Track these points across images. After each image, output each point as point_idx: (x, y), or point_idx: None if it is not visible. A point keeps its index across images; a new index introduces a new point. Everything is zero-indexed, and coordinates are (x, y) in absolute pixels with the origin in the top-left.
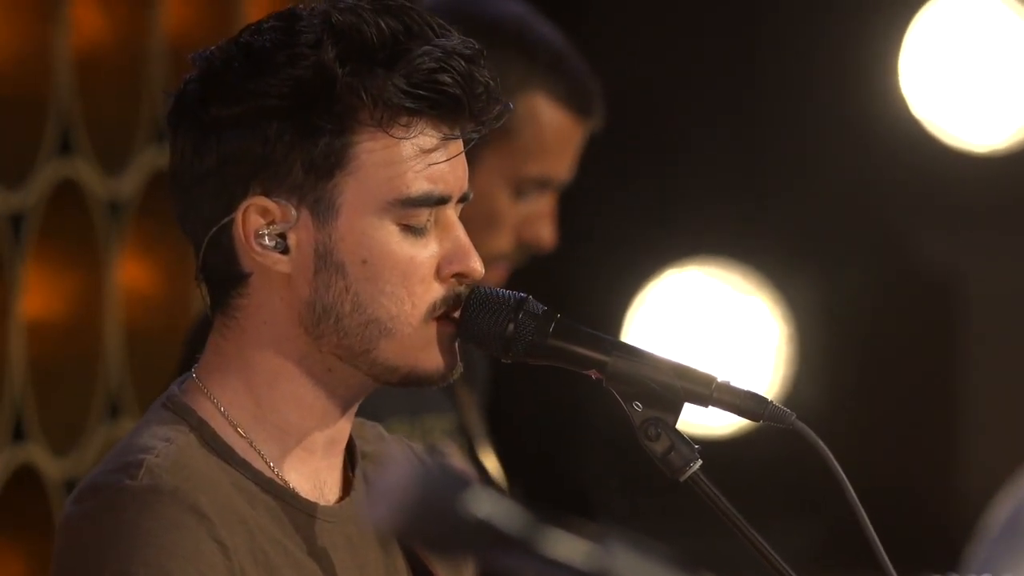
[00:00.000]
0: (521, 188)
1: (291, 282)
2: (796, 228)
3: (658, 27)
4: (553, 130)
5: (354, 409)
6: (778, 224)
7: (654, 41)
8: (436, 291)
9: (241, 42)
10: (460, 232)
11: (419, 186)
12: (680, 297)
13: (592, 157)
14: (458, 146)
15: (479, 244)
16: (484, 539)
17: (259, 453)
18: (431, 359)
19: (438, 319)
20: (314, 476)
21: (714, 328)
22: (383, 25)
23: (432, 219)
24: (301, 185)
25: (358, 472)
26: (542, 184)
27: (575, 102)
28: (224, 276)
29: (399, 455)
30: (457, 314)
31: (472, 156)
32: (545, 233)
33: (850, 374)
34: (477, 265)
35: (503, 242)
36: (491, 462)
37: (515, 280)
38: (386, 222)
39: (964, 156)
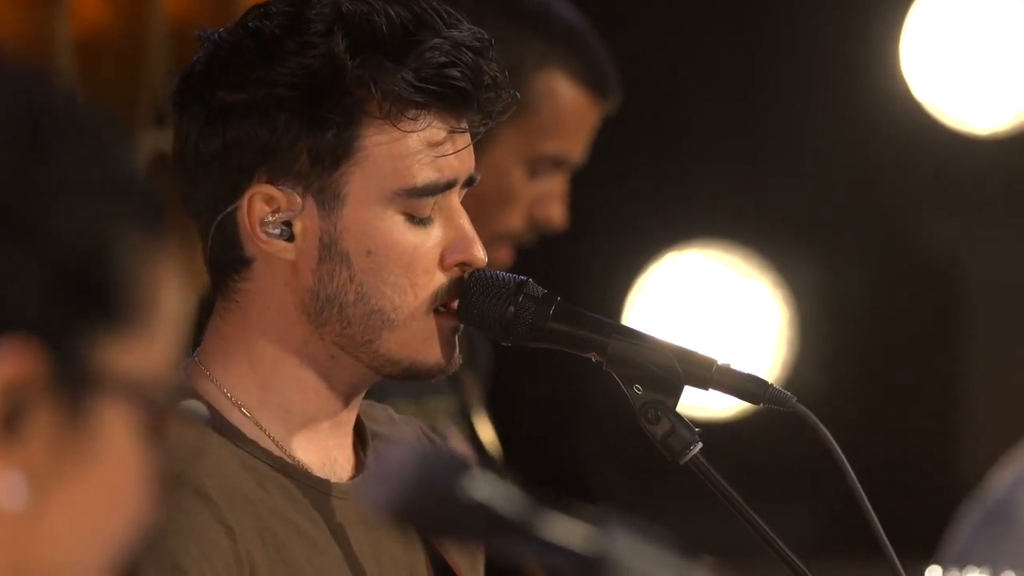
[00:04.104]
0: (536, 166)
1: (294, 269)
2: (798, 211)
3: (660, 10)
4: (571, 109)
5: (360, 396)
6: (780, 207)
7: (656, 24)
8: (439, 280)
9: (250, 26)
10: (464, 220)
11: (425, 176)
12: (681, 280)
13: (594, 139)
14: (465, 138)
15: (491, 221)
16: (483, 522)
17: (266, 433)
18: (432, 352)
19: (439, 312)
20: (323, 454)
21: (715, 311)
22: (392, 14)
23: (436, 207)
24: (307, 174)
25: (370, 451)
26: (557, 163)
27: (593, 82)
28: (226, 260)
29: (410, 436)
30: (458, 304)
31: (488, 133)
32: (556, 213)
33: (851, 357)
34: (480, 253)
35: (515, 220)
36: (493, 445)
37: (515, 262)
38: (391, 212)
39: (966, 139)
